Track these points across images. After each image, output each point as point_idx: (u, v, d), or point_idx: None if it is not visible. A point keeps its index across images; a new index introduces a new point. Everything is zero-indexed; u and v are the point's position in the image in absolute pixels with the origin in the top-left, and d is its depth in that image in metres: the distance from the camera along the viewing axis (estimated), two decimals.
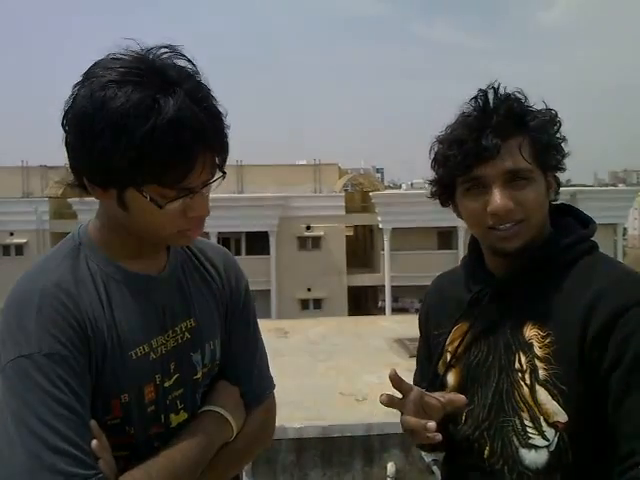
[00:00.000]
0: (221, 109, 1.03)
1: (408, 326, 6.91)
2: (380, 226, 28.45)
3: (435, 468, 3.27)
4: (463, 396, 1.19)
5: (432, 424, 1.14)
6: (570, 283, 1.17)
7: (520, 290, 1.22)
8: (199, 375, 1.17)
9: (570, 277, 1.18)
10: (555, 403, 1.12)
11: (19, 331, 0.98)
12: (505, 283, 1.24)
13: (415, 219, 26.09)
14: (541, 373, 1.15)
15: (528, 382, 1.16)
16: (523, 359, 1.18)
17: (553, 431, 1.13)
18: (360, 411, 4.21)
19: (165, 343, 1.13)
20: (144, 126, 0.92)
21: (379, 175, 73.37)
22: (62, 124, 1.00)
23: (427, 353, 1.42)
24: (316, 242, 28.89)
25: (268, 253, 28.59)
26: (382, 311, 27.99)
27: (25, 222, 27.41)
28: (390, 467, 3.38)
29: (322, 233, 28.60)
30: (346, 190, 32.28)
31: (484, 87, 1.22)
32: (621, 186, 60.18)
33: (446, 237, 29.24)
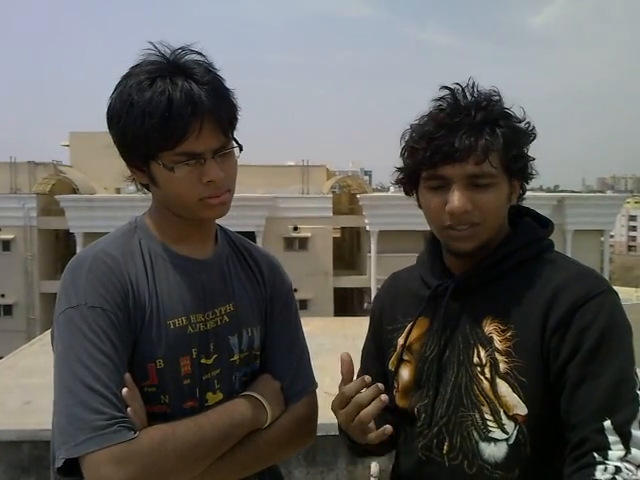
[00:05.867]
0: (225, 85, 1.16)
1: None
2: (367, 228, 28.46)
3: None
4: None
5: (389, 427, 1.15)
6: (530, 279, 1.17)
7: (479, 286, 1.21)
8: (236, 358, 1.25)
9: (529, 273, 1.18)
10: (515, 396, 1.12)
11: (71, 287, 1.12)
12: (465, 279, 1.23)
13: (402, 222, 26.09)
14: (502, 366, 1.14)
15: (488, 376, 1.15)
16: (482, 353, 1.17)
17: (513, 424, 1.12)
18: None
19: (204, 321, 1.21)
20: (144, 97, 1.09)
21: (367, 177, 73.35)
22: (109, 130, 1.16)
23: (375, 351, 1.39)
24: (303, 243, 28.85)
25: None
26: (367, 313, 27.79)
27: (12, 218, 26.96)
28: (374, 467, 3.39)
29: (309, 234, 28.56)
30: (334, 192, 32.25)
31: (460, 83, 1.20)
32: (609, 192, 60.78)
33: None
